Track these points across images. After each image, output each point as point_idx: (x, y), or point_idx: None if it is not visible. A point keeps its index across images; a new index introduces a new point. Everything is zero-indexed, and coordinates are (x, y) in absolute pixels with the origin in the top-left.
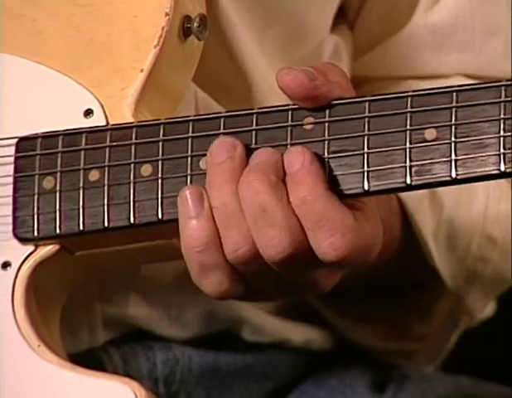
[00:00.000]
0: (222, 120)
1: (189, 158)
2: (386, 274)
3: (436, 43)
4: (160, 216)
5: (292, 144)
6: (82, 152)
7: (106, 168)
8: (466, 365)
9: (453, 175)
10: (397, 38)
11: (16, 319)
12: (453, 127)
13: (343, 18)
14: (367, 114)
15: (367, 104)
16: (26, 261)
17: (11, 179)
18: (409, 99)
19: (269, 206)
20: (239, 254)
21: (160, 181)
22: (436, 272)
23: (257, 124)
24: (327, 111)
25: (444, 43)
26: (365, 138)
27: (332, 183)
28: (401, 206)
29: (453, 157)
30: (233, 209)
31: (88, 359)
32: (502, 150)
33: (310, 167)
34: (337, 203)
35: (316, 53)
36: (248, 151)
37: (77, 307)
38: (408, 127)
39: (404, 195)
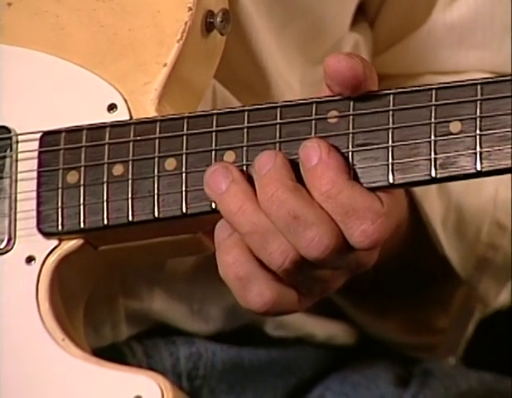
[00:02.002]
0: (246, 114)
1: (213, 152)
2: (399, 261)
3: (455, 40)
4: (184, 210)
5: (316, 138)
6: (106, 146)
7: (130, 162)
8: (489, 360)
9: (478, 167)
10: (416, 35)
11: (40, 314)
12: (478, 119)
13: (363, 16)
14: (391, 108)
15: (391, 97)
16: (51, 256)
17: (34, 174)
18: (434, 92)
19: (298, 211)
20: (288, 265)
21: (184, 175)
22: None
23: (281, 118)
24: (351, 104)
25: (463, 40)
26: (390, 131)
27: (357, 176)
28: (408, 192)
29: (478, 149)
30: (264, 225)
31: (111, 354)
32: None
33: (328, 160)
34: (362, 191)
35: (335, 50)
36: (239, 161)
37: (100, 302)
38: (433, 120)
39: None
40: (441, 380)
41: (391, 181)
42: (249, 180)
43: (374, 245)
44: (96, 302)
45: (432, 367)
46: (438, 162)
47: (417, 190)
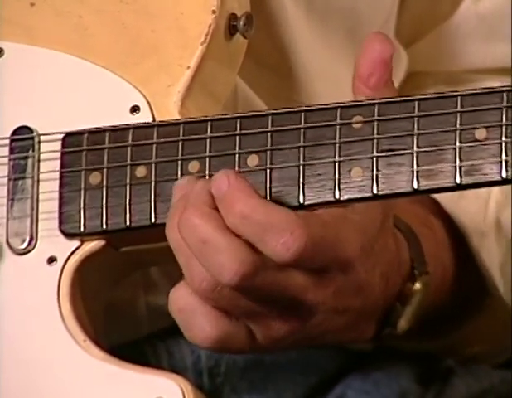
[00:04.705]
0: (270, 118)
1: (236, 155)
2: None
3: (485, 32)
4: None
5: (340, 143)
6: (129, 148)
7: (153, 165)
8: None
9: (504, 175)
10: (443, 29)
11: (61, 314)
12: (503, 127)
13: None
14: (416, 114)
15: (416, 103)
16: (72, 256)
17: (57, 174)
18: (459, 99)
19: (208, 236)
20: (204, 288)
21: (207, 177)
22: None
23: (305, 122)
24: (376, 110)
25: (493, 32)
26: (415, 137)
27: (381, 182)
28: (451, 234)
29: (504, 157)
30: (185, 249)
31: (132, 351)
32: None
33: (237, 184)
34: (275, 206)
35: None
36: (263, 165)
37: (121, 298)
38: (458, 126)
39: (468, 229)
40: (463, 378)
41: (416, 187)
42: None
43: (297, 256)
44: (118, 298)
45: (454, 365)
46: (463, 169)
47: (475, 238)
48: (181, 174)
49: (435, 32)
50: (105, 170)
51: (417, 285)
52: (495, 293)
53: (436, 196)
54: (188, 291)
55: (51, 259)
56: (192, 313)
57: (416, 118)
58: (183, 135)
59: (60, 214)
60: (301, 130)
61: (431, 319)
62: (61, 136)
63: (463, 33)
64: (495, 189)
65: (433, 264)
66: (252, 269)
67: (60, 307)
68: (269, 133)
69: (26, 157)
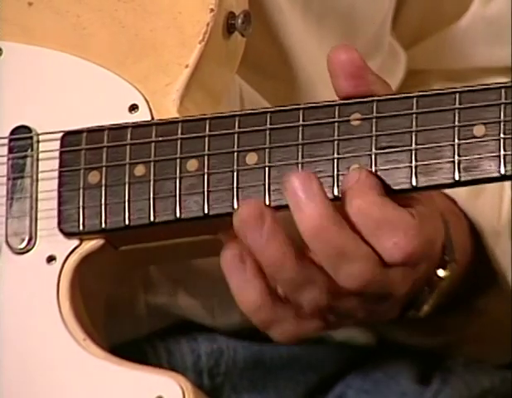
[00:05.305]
0: (268, 115)
1: (235, 154)
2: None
3: (491, 36)
4: (205, 211)
5: (339, 140)
6: (128, 146)
7: (152, 163)
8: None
9: (502, 171)
10: (451, 31)
11: (61, 314)
12: (502, 123)
13: None
14: (415, 111)
15: (415, 100)
16: (71, 255)
17: (56, 173)
18: (457, 96)
19: (342, 246)
20: (319, 308)
21: (206, 176)
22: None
23: (304, 120)
24: (374, 107)
25: (499, 36)
26: (413, 134)
27: (380, 179)
28: (471, 226)
29: (502, 153)
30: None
31: (132, 351)
32: None
33: (365, 180)
34: (393, 205)
35: (376, 42)
36: (261, 163)
37: (121, 297)
38: (457, 123)
39: (484, 228)
40: (462, 377)
41: (414, 183)
42: None
43: (406, 257)
44: (117, 297)
45: (453, 365)
46: (462, 166)
47: (489, 239)
48: (180, 173)
49: (442, 33)
50: (104, 169)
51: (447, 272)
52: (506, 291)
53: (451, 194)
54: (270, 304)
55: (50, 259)
56: (274, 322)
57: (414, 115)
58: (182, 133)
59: (59, 213)
60: (300, 128)
61: (444, 307)
62: (60, 135)
63: (470, 36)
64: (508, 188)
65: (459, 252)
66: (375, 276)
67: (59, 306)
68: (268, 131)
69: (24, 157)
